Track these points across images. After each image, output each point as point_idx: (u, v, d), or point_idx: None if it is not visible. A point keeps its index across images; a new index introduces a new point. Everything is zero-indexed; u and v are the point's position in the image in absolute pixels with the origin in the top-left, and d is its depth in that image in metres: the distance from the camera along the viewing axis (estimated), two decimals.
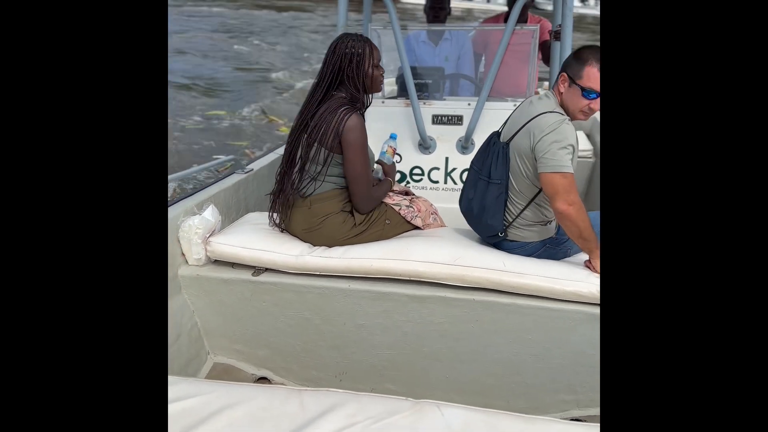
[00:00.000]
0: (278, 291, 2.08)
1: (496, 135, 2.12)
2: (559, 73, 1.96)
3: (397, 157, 3.06)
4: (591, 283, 1.87)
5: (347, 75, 2.02)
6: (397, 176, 2.54)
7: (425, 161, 3.06)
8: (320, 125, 2.00)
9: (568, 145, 1.86)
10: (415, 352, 2.08)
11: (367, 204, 2.11)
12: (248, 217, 2.40)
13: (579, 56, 1.89)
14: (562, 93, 1.94)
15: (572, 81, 1.89)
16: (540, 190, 1.97)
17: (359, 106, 2.08)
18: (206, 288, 2.14)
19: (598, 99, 1.86)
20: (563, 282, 1.88)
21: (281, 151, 3.21)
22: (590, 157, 3.93)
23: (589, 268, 1.95)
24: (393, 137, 2.46)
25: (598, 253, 1.91)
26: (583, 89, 1.87)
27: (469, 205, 2.13)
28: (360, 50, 2.02)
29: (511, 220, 2.05)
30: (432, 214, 2.37)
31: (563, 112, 1.93)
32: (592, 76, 1.85)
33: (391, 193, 2.32)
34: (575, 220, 1.85)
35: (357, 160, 2.02)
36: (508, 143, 2.00)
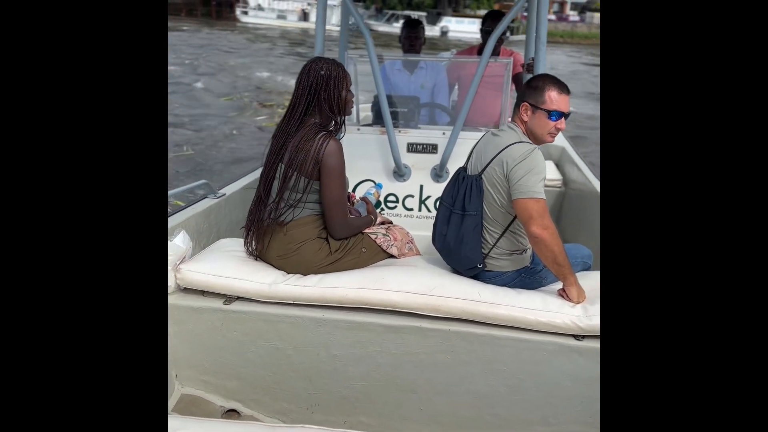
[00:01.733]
0: (249, 320, 2.03)
1: (462, 170, 2.18)
2: (518, 103, 2.06)
3: (371, 183, 3.06)
4: (565, 314, 1.87)
5: (323, 98, 2.03)
6: (373, 202, 2.56)
7: (400, 189, 3.07)
8: (299, 153, 1.99)
9: (540, 171, 1.93)
10: (389, 383, 2.04)
11: (343, 230, 2.10)
12: (220, 243, 2.35)
13: (534, 85, 2.03)
14: (526, 121, 2.05)
15: (536, 107, 2.01)
16: (514, 218, 2.02)
17: (334, 131, 2.08)
18: (175, 316, 2.07)
19: (563, 119, 2.00)
20: (537, 313, 1.88)
21: (255, 175, 3.18)
22: (559, 187, 4.00)
23: (563, 296, 1.96)
24: (379, 186, 2.59)
25: (572, 279, 1.93)
26: (549, 112, 1.99)
27: (444, 241, 2.15)
28: (335, 73, 2.05)
29: (487, 250, 2.07)
30: (408, 242, 2.37)
31: (530, 141, 2.03)
32: (554, 98, 1.99)
33: None
34: (549, 244, 1.88)
35: (335, 185, 2.02)
36: (480, 175, 2.05)
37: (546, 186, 3.98)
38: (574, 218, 3.73)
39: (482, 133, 3.00)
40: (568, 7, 50.79)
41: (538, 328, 1.88)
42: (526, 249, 2.10)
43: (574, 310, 1.89)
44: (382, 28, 38.14)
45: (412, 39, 3.57)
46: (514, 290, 2.03)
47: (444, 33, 41.43)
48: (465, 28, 40.78)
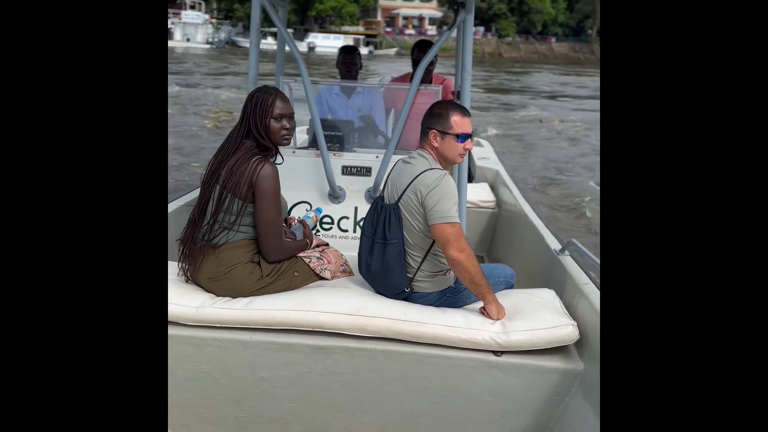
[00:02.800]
0: (175, 344, 2.01)
1: (380, 199, 2.25)
2: (425, 131, 2.17)
3: (306, 205, 3.10)
4: (485, 331, 1.95)
5: (252, 123, 2.08)
6: (311, 226, 2.60)
7: (335, 210, 3.12)
8: (233, 176, 2.01)
9: (453, 196, 2.03)
10: (317, 404, 2.06)
11: (276, 253, 2.11)
12: None
13: (438, 112, 2.15)
14: (436, 147, 2.14)
15: (444, 133, 2.11)
16: (433, 242, 2.10)
17: (271, 155, 2.11)
18: None
19: (469, 139, 2.14)
20: (459, 330, 1.95)
21: (190, 196, 3.16)
22: (493, 208, 4.15)
23: (484, 314, 2.05)
24: (318, 211, 2.63)
25: (490, 298, 2.03)
26: (456, 135, 2.10)
27: (369, 270, 2.19)
28: (263, 100, 2.08)
29: (412, 275, 2.14)
30: (342, 264, 2.40)
31: (440, 167, 2.13)
32: (459, 122, 2.11)
33: None
34: (466, 265, 1.97)
35: (269, 208, 2.03)
36: (397, 203, 2.12)
37: (480, 207, 4.17)
38: (505, 238, 3.88)
39: None
40: (426, 22, 56.68)
41: (460, 345, 1.95)
42: (449, 269, 2.18)
43: (493, 326, 1.97)
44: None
45: (348, 64, 3.66)
46: (438, 309, 2.10)
47: (311, 48, 43.67)
48: (331, 43, 43.45)
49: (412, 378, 1.99)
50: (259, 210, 2.04)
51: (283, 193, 2.13)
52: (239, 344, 1.99)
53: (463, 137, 2.11)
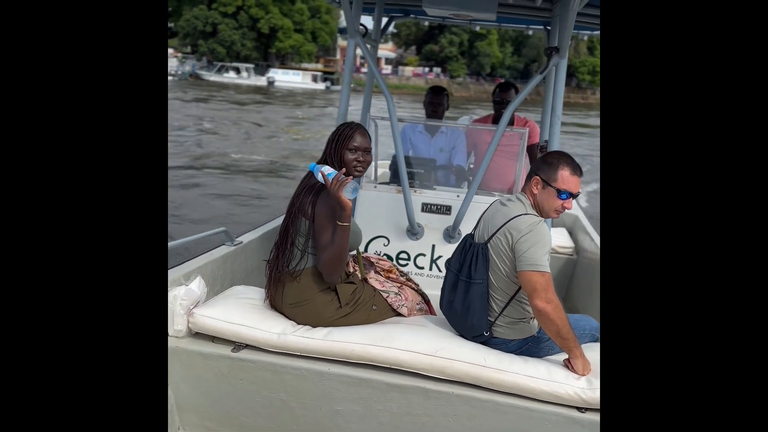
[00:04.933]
0: (256, 369, 2.06)
1: (470, 237, 2.22)
2: (530, 175, 2.11)
3: (384, 240, 3.13)
4: (569, 385, 1.87)
5: (329, 153, 2.20)
6: (386, 260, 2.61)
7: (412, 247, 3.12)
8: (303, 198, 2.12)
9: (545, 245, 1.96)
10: None
11: (329, 271, 2.09)
12: (234, 290, 2.40)
13: (549, 161, 2.07)
14: (535, 194, 2.08)
15: (546, 183, 2.04)
16: (519, 287, 2.03)
17: None
18: (184, 361, 2.11)
19: (571, 199, 2.04)
20: (541, 382, 1.88)
21: (273, 225, 3.27)
22: (571, 254, 4.02)
23: (568, 367, 1.97)
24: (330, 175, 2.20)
25: (577, 352, 1.94)
26: (558, 191, 2.02)
27: (451, 308, 2.17)
28: (342, 132, 2.20)
29: (493, 319, 2.09)
30: (419, 303, 2.40)
31: (537, 213, 2.06)
32: (566, 179, 2.03)
33: (381, 278, 2.36)
34: (553, 318, 1.90)
35: (323, 232, 2.06)
36: (486, 243, 2.09)
37: (557, 253, 4.05)
38: (585, 287, 3.74)
39: (495, 198, 3.08)
40: (383, 62, 58.96)
41: (541, 397, 1.88)
42: (533, 318, 2.11)
43: (578, 381, 1.89)
44: (213, 77, 43.46)
45: (435, 105, 3.71)
46: (520, 357, 2.04)
47: (270, 83, 45.55)
48: (290, 78, 46.31)
49: (488, 426, 1.93)
50: (314, 232, 2.09)
51: (362, 226, 2.15)
52: (317, 374, 2.01)
53: (566, 195, 2.04)
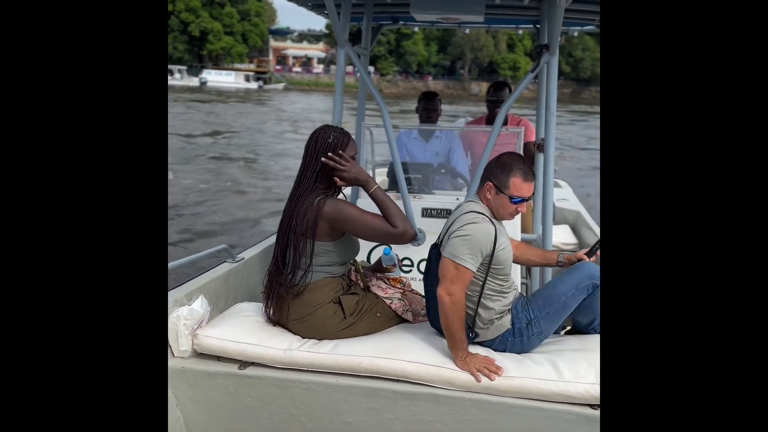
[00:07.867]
0: (263, 385, 2.04)
1: (433, 246, 2.19)
2: (483, 180, 2.10)
3: (386, 248, 3.12)
4: (579, 383, 1.86)
5: (316, 160, 2.11)
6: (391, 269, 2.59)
7: (415, 252, 3.11)
8: (303, 220, 2.06)
9: (474, 245, 1.94)
10: None
11: (405, 225, 2.11)
12: (237, 307, 2.39)
13: (502, 167, 2.05)
14: (489, 198, 2.07)
15: (499, 190, 2.04)
16: (482, 287, 2.03)
17: (334, 193, 2.16)
18: (191, 381, 2.10)
19: (524, 202, 2.06)
20: (551, 383, 1.87)
21: (272, 240, 3.25)
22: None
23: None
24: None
25: (459, 354, 1.94)
26: (511, 197, 2.03)
27: (437, 323, 2.11)
28: (341, 141, 2.12)
29: (471, 323, 2.07)
30: (423, 308, 2.38)
31: (486, 214, 2.03)
32: (518, 185, 2.03)
33: (384, 285, 2.35)
34: (446, 311, 1.91)
35: (363, 225, 2.07)
36: (440, 247, 2.07)
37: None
38: None
39: None
40: (315, 61, 66.13)
41: (552, 398, 1.87)
42: (501, 315, 2.09)
43: (588, 378, 1.87)
44: None
45: (429, 110, 3.70)
46: (523, 358, 2.02)
47: (203, 83, 47.90)
48: (222, 78, 49.15)
49: (500, 429, 1.91)
50: (357, 234, 2.10)
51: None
52: (325, 387, 2.00)
53: (519, 200, 2.04)
